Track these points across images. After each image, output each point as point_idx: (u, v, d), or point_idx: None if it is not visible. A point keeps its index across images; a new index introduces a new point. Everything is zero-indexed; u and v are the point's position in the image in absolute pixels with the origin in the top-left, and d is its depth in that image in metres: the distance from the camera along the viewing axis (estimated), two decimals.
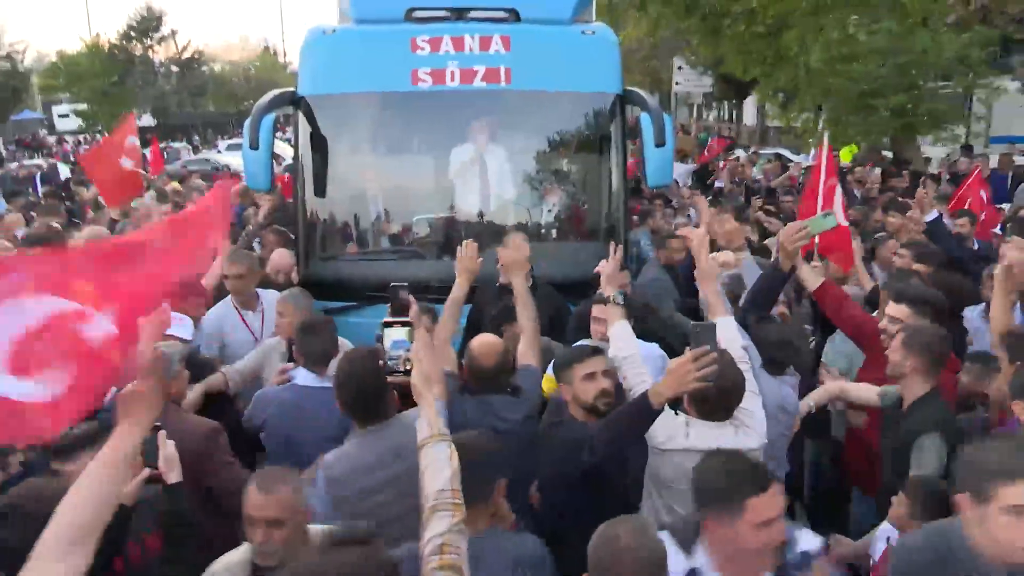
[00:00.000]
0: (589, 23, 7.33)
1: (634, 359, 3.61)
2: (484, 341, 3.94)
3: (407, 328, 3.32)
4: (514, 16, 6.61)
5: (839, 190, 6.42)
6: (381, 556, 2.18)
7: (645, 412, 3.12)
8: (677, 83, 34.15)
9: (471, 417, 3.64)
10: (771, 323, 4.34)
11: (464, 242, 4.39)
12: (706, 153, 17.48)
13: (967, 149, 13.02)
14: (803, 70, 12.12)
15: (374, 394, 3.38)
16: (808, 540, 2.75)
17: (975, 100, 12.99)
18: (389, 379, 3.39)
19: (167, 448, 2.98)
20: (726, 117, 40.26)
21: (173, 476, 2.98)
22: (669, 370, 3.08)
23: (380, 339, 3.38)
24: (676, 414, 3.41)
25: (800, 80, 12.55)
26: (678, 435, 3.35)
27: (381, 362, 3.39)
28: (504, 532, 2.91)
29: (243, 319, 5.51)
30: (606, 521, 2.53)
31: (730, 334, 3.71)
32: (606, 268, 4.07)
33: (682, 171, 15.43)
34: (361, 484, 3.31)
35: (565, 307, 5.56)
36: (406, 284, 4.19)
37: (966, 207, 8.03)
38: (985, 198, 8.42)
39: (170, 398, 3.70)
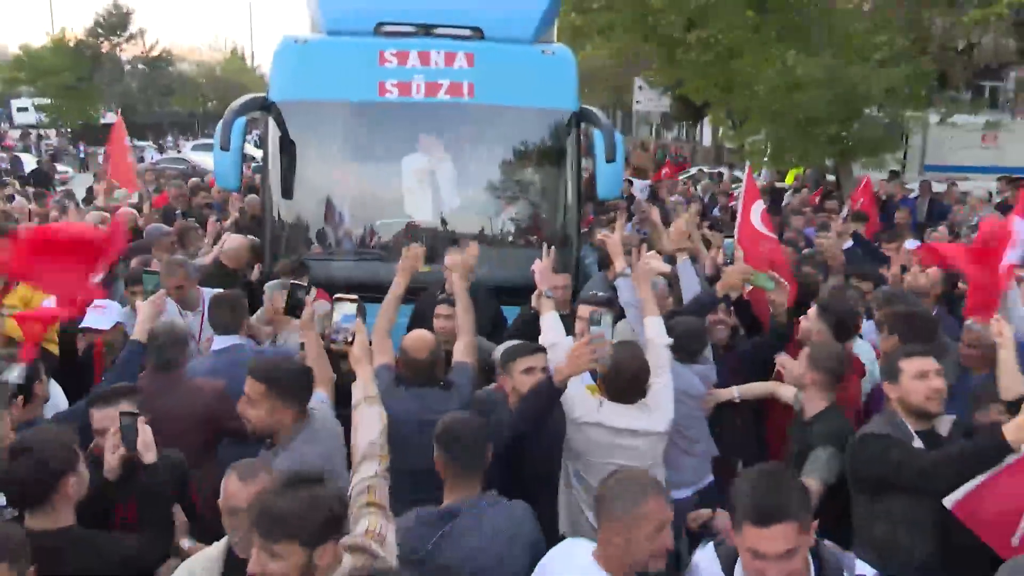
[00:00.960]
0: (550, 43, 7.62)
1: (560, 347, 3.96)
2: (417, 336, 4.20)
3: (355, 304, 3.52)
4: (479, 34, 6.88)
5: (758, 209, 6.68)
6: (330, 493, 2.42)
7: (550, 389, 3.55)
8: (637, 102, 34.71)
9: (405, 408, 3.84)
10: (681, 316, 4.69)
11: (410, 244, 4.66)
12: (661, 173, 17.93)
13: (893, 174, 13.86)
14: (750, 97, 12.69)
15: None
16: (863, 568, 2.64)
17: (911, 130, 13.67)
18: (333, 348, 3.56)
19: (145, 433, 3.17)
20: (684, 137, 40.98)
21: (149, 457, 3.16)
22: (568, 353, 3.52)
23: (330, 313, 3.56)
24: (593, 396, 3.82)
25: (749, 105, 13.14)
26: (591, 411, 3.76)
27: (327, 333, 3.56)
28: (496, 497, 3.22)
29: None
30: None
31: (658, 331, 4.08)
32: (540, 267, 4.46)
33: (640, 186, 15.84)
34: None
35: (500, 311, 5.84)
36: (304, 285, 4.30)
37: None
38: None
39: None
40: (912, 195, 12.94)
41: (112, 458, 3.15)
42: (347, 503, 2.56)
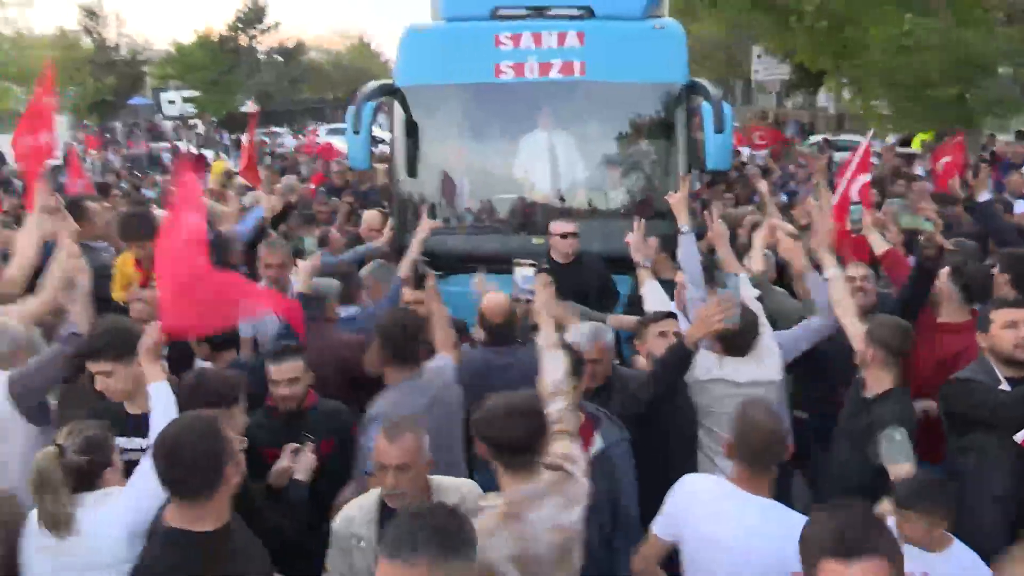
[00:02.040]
0: (660, 18, 7.68)
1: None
2: (495, 299, 4.48)
3: (533, 267, 3.99)
4: (589, 13, 7.03)
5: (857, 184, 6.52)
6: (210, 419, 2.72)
7: (683, 352, 3.74)
8: (756, 71, 33.88)
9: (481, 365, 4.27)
10: None
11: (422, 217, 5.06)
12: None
13: (1020, 135, 13.11)
14: (865, 63, 12.32)
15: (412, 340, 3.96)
16: None
17: None
18: (518, 304, 4.16)
19: (309, 460, 3.67)
20: (806, 105, 39.56)
21: (303, 476, 3.64)
22: (698, 316, 3.70)
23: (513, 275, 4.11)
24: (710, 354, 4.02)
25: (865, 71, 12.72)
26: (712, 368, 3.97)
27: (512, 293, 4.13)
28: None
29: None
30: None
31: (744, 287, 4.27)
32: (632, 239, 4.65)
33: (757, 157, 15.51)
34: None
35: (610, 279, 6.02)
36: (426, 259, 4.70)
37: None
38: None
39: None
40: None
41: (279, 477, 3.62)
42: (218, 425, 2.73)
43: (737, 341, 4.00)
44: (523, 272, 3.94)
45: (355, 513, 3.04)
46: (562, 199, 7.00)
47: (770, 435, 3.00)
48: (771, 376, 4.02)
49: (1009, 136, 12.72)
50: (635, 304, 5.36)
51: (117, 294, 5.33)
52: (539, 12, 7.03)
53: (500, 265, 5.04)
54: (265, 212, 6.68)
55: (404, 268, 5.26)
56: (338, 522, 3.05)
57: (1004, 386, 3.61)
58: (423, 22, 7.65)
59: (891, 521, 3.03)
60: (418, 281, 4.76)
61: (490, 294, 4.47)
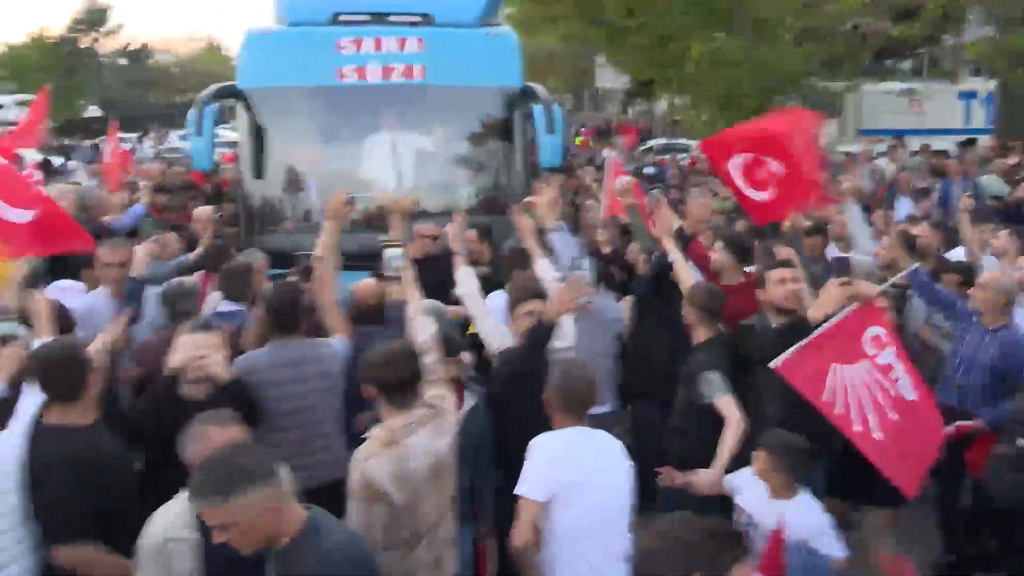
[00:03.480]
0: (496, 26, 7.98)
1: (471, 295, 4.56)
2: (365, 284, 4.86)
3: (400, 248, 4.32)
4: (429, 20, 7.22)
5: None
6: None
7: (544, 329, 4.05)
8: (599, 79, 35.31)
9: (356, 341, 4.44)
10: None
11: (334, 193, 4.87)
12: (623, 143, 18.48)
13: None
14: (683, 76, 13.49)
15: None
16: None
17: (848, 98, 14.28)
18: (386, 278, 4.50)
19: None
20: (646, 112, 41.39)
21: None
22: (555, 295, 4.12)
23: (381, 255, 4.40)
24: None
25: (684, 83, 13.88)
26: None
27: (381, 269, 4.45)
28: None
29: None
30: None
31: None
32: (451, 229, 4.86)
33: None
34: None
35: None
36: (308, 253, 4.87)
37: None
38: None
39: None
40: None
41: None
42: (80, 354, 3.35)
43: None
44: (392, 252, 4.28)
45: (175, 518, 2.80)
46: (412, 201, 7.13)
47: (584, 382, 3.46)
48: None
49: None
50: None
51: None
52: (379, 18, 7.17)
53: (346, 262, 5.16)
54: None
55: (320, 248, 4.85)
56: (158, 533, 2.77)
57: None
58: (265, 26, 7.62)
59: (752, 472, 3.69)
60: (305, 272, 4.92)
61: (362, 280, 4.87)
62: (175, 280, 5.02)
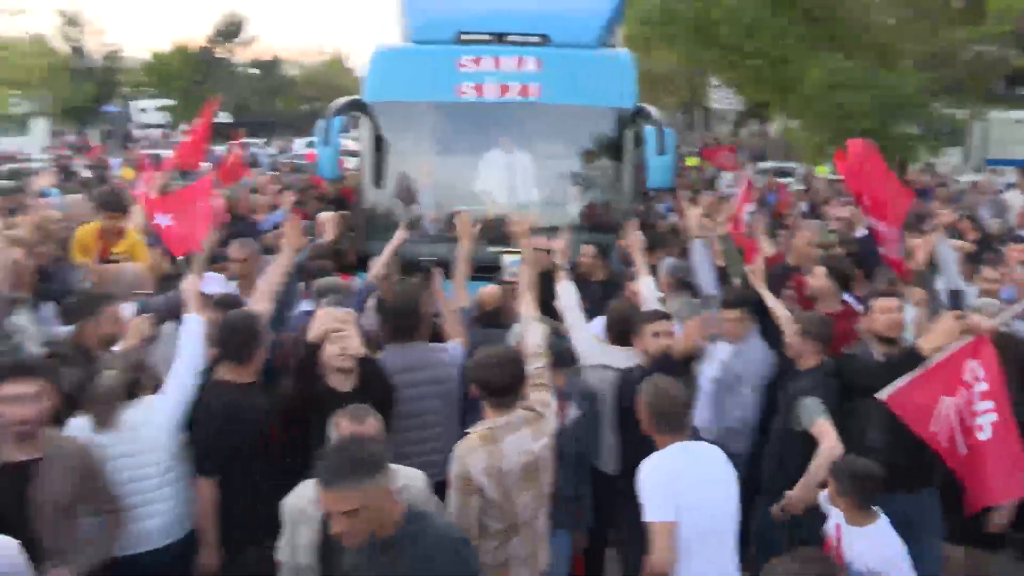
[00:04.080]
0: (612, 47, 8.07)
1: (573, 309, 4.69)
2: (489, 289, 5.13)
3: (519, 255, 4.48)
4: (546, 40, 7.38)
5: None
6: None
7: (668, 362, 4.20)
8: (714, 100, 34.83)
9: (480, 341, 4.57)
10: None
11: (460, 215, 5.31)
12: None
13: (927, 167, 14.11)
14: (798, 98, 13.21)
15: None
16: None
17: (974, 126, 13.70)
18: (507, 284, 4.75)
19: None
20: (759, 133, 40.53)
21: None
22: (686, 330, 4.29)
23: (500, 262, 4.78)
24: None
25: (798, 106, 13.58)
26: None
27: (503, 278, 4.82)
28: None
29: None
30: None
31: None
32: (557, 244, 5.03)
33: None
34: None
35: None
36: (434, 258, 5.12)
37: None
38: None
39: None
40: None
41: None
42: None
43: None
44: (511, 258, 4.54)
45: (304, 492, 3.18)
46: (514, 210, 7.29)
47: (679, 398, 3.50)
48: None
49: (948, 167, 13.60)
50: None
51: (78, 258, 6.03)
52: (499, 38, 7.38)
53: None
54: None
55: (374, 270, 5.48)
56: (289, 506, 3.18)
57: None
58: (392, 43, 7.95)
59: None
60: (424, 276, 5.21)
61: (487, 287, 5.22)
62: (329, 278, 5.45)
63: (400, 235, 5.63)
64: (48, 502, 3.19)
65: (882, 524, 3.56)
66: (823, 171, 14.77)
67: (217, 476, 3.77)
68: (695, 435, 3.68)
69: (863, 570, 3.42)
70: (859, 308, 5.20)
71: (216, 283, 5.57)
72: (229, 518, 3.77)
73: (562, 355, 4.11)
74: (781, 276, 5.85)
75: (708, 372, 4.81)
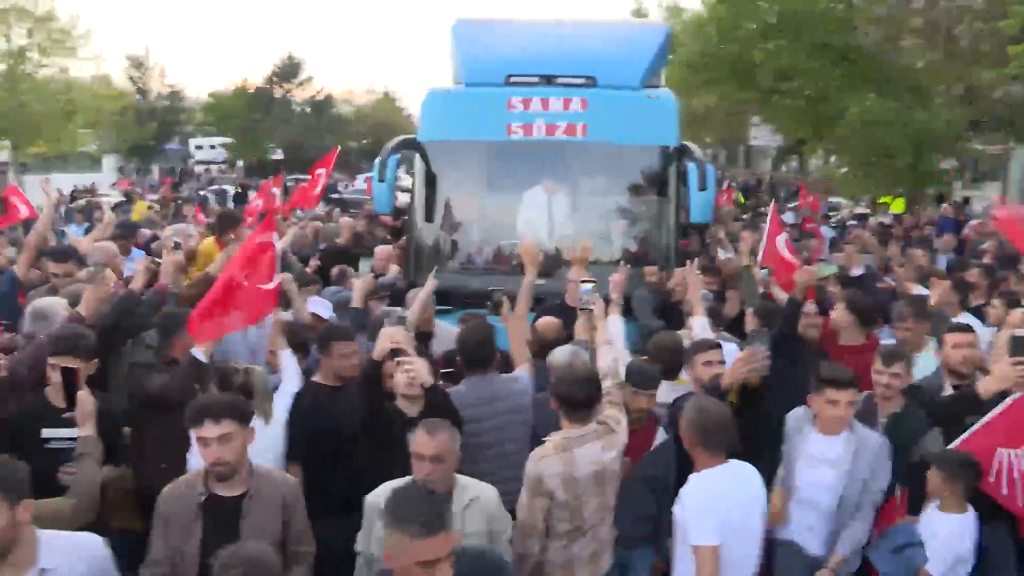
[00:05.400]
0: (656, 87, 8.20)
1: (618, 344, 4.61)
2: (547, 321, 5.30)
3: (594, 283, 4.67)
4: (592, 82, 7.55)
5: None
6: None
7: (716, 391, 4.13)
8: (754, 138, 34.82)
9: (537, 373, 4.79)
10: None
11: (524, 243, 5.45)
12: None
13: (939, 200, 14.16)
14: (835, 136, 13.34)
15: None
16: None
17: (1013, 162, 13.64)
18: (582, 308, 4.78)
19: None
20: (799, 169, 40.29)
21: None
22: (735, 362, 4.16)
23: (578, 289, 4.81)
24: None
25: (835, 143, 13.69)
26: None
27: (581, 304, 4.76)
28: None
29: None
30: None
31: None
32: (615, 279, 5.11)
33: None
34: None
35: None
36: (502, 290, 5.31)
37: None
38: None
39: None
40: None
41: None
42: None
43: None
44: (585, 286, 4.66)
45: (384, 491, 3.30)
46: (563, 245, 7.42)
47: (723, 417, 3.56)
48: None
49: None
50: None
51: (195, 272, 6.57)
52: (548, 80, 7.56)
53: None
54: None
55: (412, 313, 5.58)
56: (370, 501, 3.43)
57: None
58: (444, 85, 8.20)
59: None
60: (494, 308, 5.36)
61: (544, 317, 5.38)
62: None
63: (431, 285, 5.71)
64: (256, 537, 3.12)
65: (971, 515, 3.81)
66: (898, 206, 14.65)
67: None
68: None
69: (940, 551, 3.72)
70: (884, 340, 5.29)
71: (322, 307, 5.94)
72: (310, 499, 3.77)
73: (644, 377, 4.23)
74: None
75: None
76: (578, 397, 3.65)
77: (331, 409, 4.39)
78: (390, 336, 4.13)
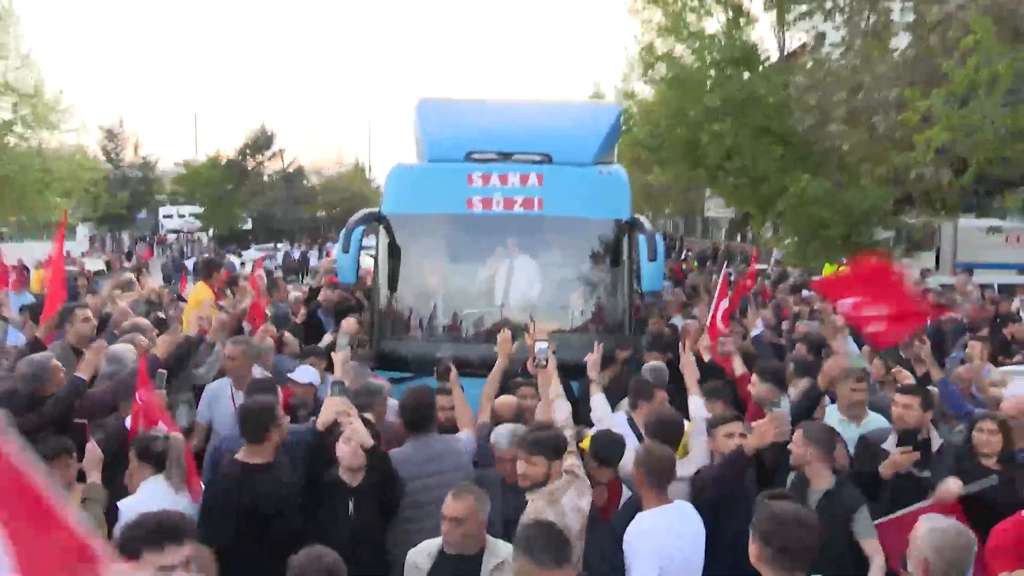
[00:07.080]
0: (609, 164, 8.47)
1: (607, 421, 4.85)
2: (503, 401, 5.26)
3: (547, 342, 4.75)
4: (548, 159, 7.78)
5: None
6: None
7: (741, 457, 4.16)
8: (708, 209, 35.79)
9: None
10: None
11: (502, 331, 5.49)
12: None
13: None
14: (776, 211, 14.25)
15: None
16: None
17: (942, 231, 14.52)
18: (535, 368, 4.86)
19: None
20: (752, 239, 41.31)
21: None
22: (756, 429, 4.14)
23: (532, 347, 4.85)
24: None
25: (776, 217, 14.59)
26: None
27: (532, 357, 4.88)
28: None
29: (232, 396, 5.68)
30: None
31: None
32: (591, 359, 5.23)
33: None
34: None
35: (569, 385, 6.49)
36: (450, 357, 5.29)
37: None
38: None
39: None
40: None
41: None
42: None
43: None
44: (540, 345, 4.73)
45: (423, 548, 3.64)
46: (519, 313, 7.53)
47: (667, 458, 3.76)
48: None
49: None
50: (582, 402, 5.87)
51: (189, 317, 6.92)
52: (506, 157, 7.77)
53: (466, 369, 5.67)
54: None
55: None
56: (409, 557, 3.64)
57: None
58: (408, 161, 8.38)
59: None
60: (442, 374, 5.35)
61: (501, 397, 5.35)
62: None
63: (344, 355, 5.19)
64: None
65: None
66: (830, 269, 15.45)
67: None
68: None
69: None
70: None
71: (308, 374, 5.82)
72: None
73: (609, 451, 4.41)
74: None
75: None
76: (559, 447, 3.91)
77: (257, 488, 4.14)
78: (334, 406, 4.15)
